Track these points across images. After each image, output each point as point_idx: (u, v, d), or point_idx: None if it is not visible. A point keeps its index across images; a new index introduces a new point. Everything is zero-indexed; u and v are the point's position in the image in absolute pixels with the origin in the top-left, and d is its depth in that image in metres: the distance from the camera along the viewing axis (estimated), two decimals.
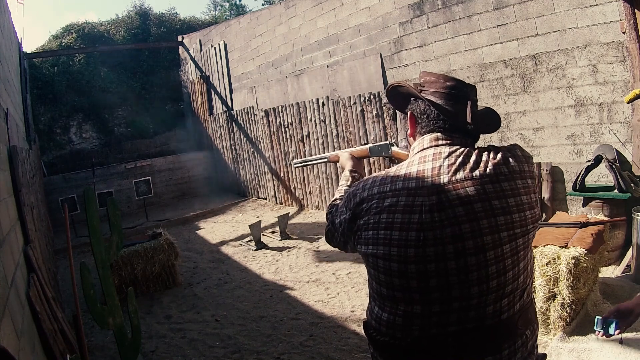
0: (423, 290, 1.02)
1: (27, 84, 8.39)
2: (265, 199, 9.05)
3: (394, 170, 1.12)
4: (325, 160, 1.80)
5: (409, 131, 1.21)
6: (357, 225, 1.12)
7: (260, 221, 6.50)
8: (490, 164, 1.03)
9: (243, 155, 9.54)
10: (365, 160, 1.84)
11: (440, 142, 1.10)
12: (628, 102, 3.63)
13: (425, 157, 1.09)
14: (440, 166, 1.04)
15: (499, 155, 1.05)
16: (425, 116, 1.14)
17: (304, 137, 7.58)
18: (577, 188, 3.98)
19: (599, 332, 1.26)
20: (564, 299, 2.75)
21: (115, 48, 11.98)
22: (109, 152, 11.23)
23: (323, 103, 7.10)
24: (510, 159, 1.05)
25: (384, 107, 6.08)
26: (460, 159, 1.04)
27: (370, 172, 6.42)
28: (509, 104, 4.73)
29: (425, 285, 1.01)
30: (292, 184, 8.13)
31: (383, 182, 1.10)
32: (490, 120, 1.20)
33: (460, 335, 1.02)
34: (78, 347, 2.54)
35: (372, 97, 6.19)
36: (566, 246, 2.87)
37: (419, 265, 1.00)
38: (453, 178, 1.02)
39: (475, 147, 1.13)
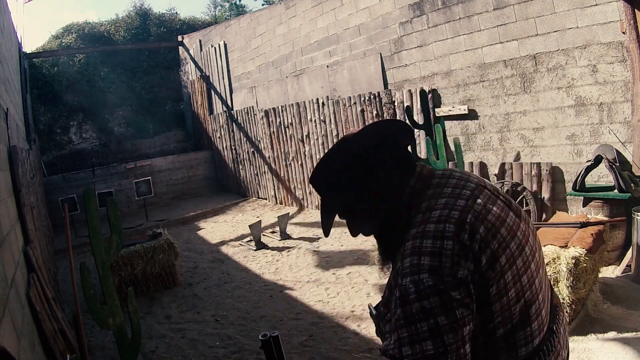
0: (537, 294, 0.99)
1: (27, 84, 8.39)
2: (265, 199, 9.05)
3: (452, 206, 0.95)
4: None
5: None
6: (491, 272, 0.90)
7: (260, 221, 6.50)
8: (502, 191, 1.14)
9: (243, 155, 9.53)
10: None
11: (437, 172, 1.06)
12: None
13: (455, 184, 1.02)
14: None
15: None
16: (394, 160, 1.04)
17: (304, 137, 7.58)
18: (577, 188, 3.98)
19: None
20: (564, 299, 2.75)
21: (115, 48, 11.99)
22: (109, 152, 11.22)
23: (323, 103, 7.10)
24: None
25: (384, 107, 6.08)
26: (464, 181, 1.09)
27: None
28: (509, 104, 4.73)
29: (537, 289, 0.99)
30: (292, 184, 8.13)
31: (476, 219, 0.93)
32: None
33: (555, 331, 1.04)
34: (78, 347, 2.54)
35: (372, 97, 6.19)
36: (566, 246, 2.87)
37: (532, 272, 0.99)
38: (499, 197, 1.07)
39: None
